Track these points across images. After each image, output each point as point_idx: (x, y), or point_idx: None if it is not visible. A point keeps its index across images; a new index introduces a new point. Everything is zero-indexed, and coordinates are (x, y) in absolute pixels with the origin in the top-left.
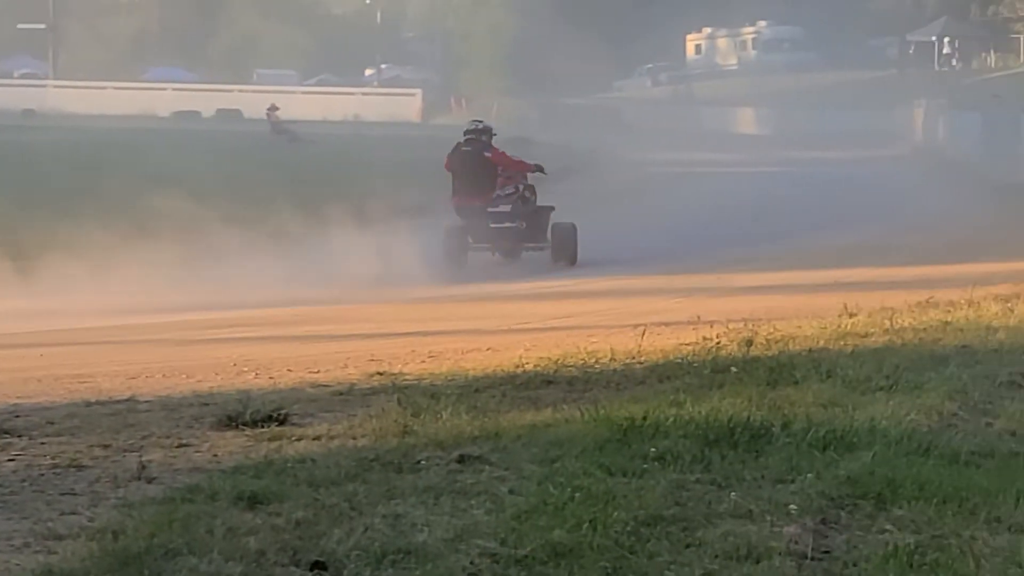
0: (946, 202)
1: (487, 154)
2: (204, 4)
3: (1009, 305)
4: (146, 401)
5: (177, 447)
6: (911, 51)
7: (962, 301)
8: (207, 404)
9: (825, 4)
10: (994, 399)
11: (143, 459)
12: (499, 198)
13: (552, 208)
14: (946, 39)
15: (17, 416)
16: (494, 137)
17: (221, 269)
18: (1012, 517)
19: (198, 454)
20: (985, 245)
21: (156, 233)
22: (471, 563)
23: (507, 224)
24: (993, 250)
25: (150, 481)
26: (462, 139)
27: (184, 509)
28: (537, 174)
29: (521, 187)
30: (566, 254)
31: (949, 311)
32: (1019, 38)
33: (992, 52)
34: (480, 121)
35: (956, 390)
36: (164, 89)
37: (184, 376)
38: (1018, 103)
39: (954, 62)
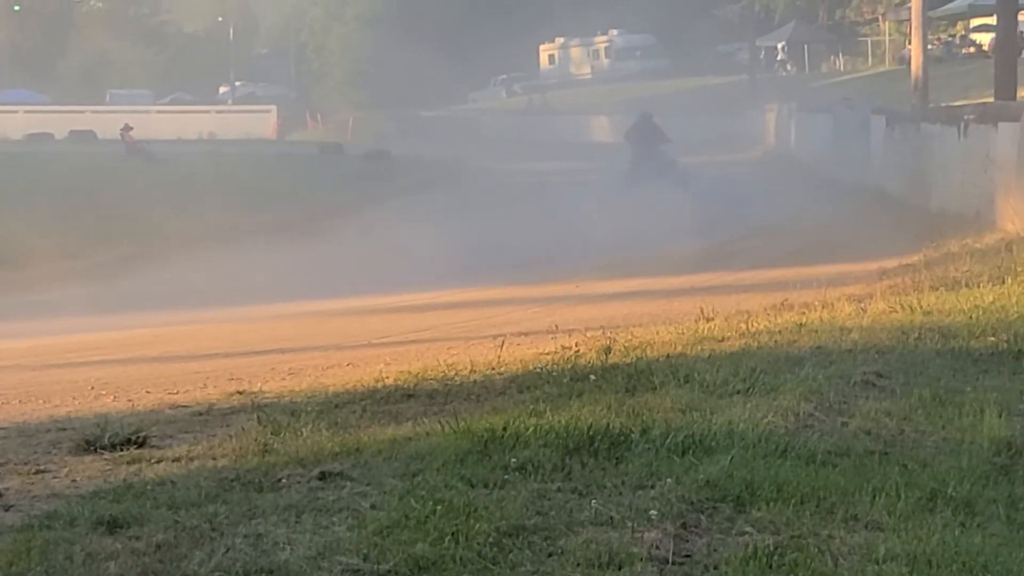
0: (798, 204)
1: (655, 121)
2: (54, 25)
3: (862, 305)
4: (2, 428)
5: (35, 473)
6: (762, 56)
7: (816, 302)
8: (65, 429)
9: (676, 12)
10: (849, 399)
11: (0, 487)
12: (651, 150)
13: (673, 158)
14: (779, 45)
15: None
16: (652, 118)
17: (79, 291)
18: (868, 515)
19: (56, 480)
20: (837, 246)
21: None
22: None
23: (655, 161)
24: (845, 251)
25: (7, 509)
26: (637, 119)
27: (43, 536)
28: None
29: (660, 146)
30: (683, 185)
31: (803, 313)
32: (866, 41)
33: (840, 55)
34: (647, 111)
35: (812, 391)
36: (16, 112)
37: (41, 401)
38: (867, 105)
39: (789, 67)
